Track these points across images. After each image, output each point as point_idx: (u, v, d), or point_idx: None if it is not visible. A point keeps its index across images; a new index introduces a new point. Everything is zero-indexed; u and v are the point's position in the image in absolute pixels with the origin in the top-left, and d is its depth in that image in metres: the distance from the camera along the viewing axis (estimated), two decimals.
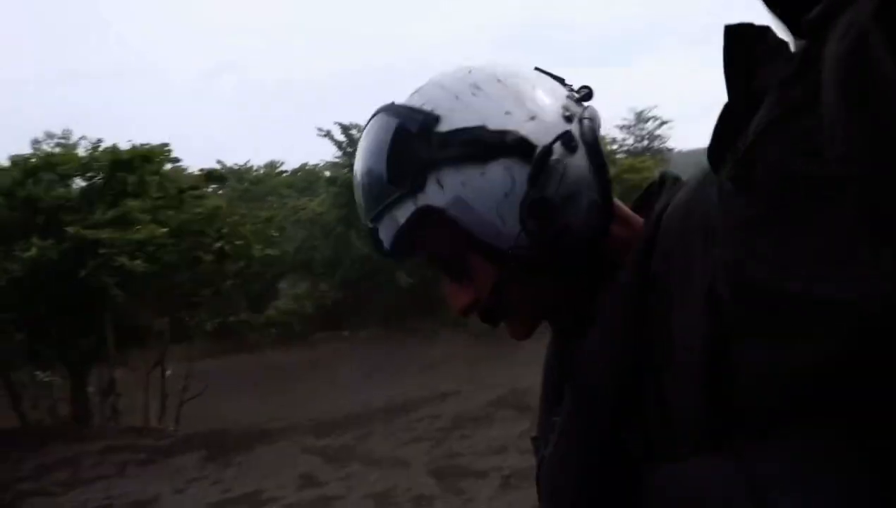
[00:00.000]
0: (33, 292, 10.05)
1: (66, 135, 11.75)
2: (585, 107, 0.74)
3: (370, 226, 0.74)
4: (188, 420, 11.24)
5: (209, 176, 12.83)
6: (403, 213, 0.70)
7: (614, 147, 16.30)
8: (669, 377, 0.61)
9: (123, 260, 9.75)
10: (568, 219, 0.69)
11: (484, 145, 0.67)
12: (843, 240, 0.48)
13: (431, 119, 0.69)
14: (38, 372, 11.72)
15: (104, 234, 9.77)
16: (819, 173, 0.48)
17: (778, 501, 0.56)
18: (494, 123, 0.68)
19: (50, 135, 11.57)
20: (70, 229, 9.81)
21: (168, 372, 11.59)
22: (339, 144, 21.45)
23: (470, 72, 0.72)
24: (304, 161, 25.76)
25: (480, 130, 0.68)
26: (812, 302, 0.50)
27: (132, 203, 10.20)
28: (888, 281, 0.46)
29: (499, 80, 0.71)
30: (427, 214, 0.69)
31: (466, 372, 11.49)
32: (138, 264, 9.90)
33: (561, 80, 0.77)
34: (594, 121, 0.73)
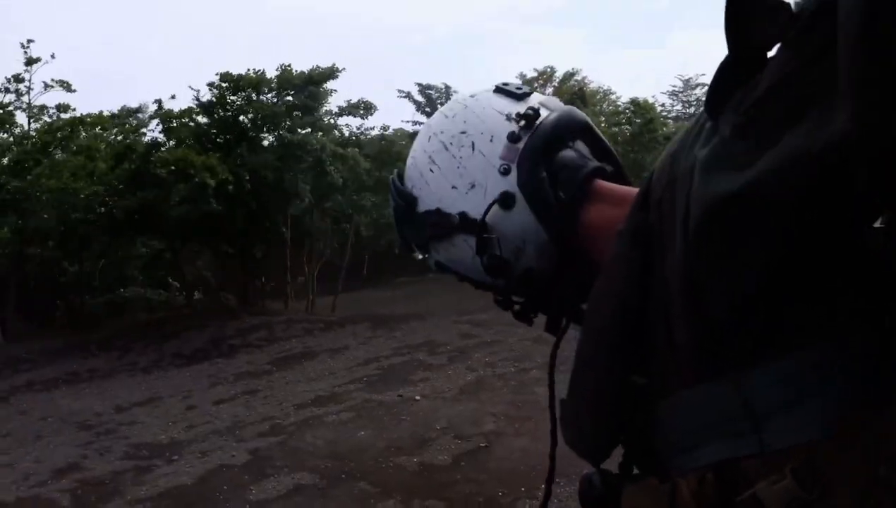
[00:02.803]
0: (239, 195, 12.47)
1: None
2: (536, 128, 0.83)
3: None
4: (338, 312, 13.59)
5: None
6: (431, 259, 0.92)
7: (663, 113, 17.87)
8: (672, 317, 0.66)
9: (330, 158, 12.31)
10: (525, 263, 0.83)
11: (441, 227, 0.86)
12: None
13: (412, 200, 0.88)
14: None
15: (311, 139, 12.31)
16: (826, 140, 0.51)
17: (772, 419, 0.60)
18: (445, 203, 0.85)
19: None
20: (280, 132, 12.35)
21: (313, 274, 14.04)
22: (418, 105, 24.05)
23: (429, 139, 0.88)
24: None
25: (436, 215, 0.86)
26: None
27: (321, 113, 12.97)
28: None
29: (446, 148, 0.86)
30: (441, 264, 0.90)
31: None
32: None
33: (517, 96, 0.87)
34: (537, 140, 0.82)
